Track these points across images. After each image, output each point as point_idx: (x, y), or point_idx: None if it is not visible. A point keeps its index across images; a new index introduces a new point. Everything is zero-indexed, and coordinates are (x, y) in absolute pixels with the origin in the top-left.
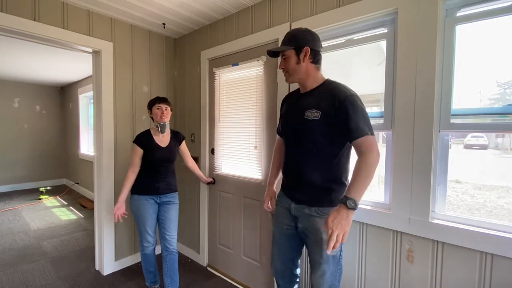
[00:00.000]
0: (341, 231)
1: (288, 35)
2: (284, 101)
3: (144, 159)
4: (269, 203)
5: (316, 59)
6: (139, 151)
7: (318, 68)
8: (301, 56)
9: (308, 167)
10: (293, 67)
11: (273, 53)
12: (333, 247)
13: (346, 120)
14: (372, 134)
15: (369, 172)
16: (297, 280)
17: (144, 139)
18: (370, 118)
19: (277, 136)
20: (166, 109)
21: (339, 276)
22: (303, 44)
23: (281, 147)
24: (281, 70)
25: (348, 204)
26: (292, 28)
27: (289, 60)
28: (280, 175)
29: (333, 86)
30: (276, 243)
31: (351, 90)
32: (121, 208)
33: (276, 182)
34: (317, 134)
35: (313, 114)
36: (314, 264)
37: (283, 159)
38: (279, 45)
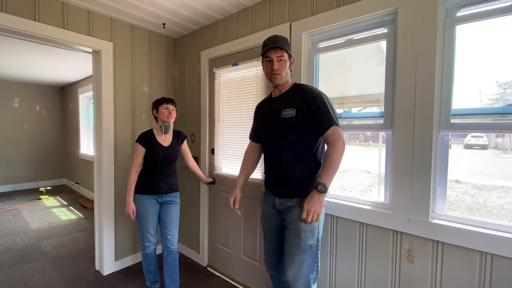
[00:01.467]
0: (314, 212)
1: (282, 39)
2: (259, 107)
3: (146, 158)
4: (234, 203)
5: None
6: (142, 151)
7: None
8: (290, 62)
9: (289, 162)
10: (286, 71)
11: (274, 48)
12: (306, 221)
13: (318, 114)
14: (338, 125)
15: (337, 160)
16: None
17: (147, 139)
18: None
19: (249, 142)
20: (173, 110)
21: (316, 272)
22: (291, 52)
23: (252, 152)
24: (272, 70)
25: (319, 188)
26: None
27: (285, 63)
28: (246, 173)
29: (303, 87)
30: (268, 239)
31: (318, 89)
32: (131, 207)
33: (242, 184)
34: (294, 129)
35: (289, 112)
36: (291, 256)
37: (265, 162)
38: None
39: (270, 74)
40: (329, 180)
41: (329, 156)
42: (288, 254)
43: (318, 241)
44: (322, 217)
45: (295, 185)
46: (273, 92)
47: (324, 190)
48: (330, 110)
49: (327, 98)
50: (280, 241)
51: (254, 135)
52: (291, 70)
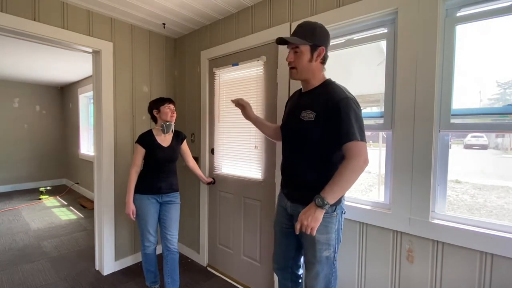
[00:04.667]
0: (307, 226)
1: (305, 27)
2: (289, 99)
3: (146, 159)
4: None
5: (325, 59)
6: (142, 151)
7: (324, 68)
8: (315, 55)
9: (302, 167)
10: (305, 65)
11: (283, 41)
12: (301, 230)
13: (338, 123)
14: (363, 140)
15: (349, 177)
16: (300, 281)
17: (146, 139)
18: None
19: None
20: (174, 109)
21: (334, 280)
22: (320, 43)
23: (277, 128)
24: (287, 63)
25: (316, 202)
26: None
27: (301, 56)
28: (261, 121)
29: (330, 87)
30: (278, 240)
31: (348, 93)
32: (131, 207)
33: (258, 118)
34: (311, 135)
35: (308, 115)
36: (308, 265)
37: (282, 160)
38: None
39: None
40: (331, 195)
41: (340, 170)
42: (306, 262)
43: (335, 252)
44: (341, 225)
45: (308, 192)
46: (302, 87)
47: (321, 204)
48: (353, 121)
49: (355, 105)
50: (289, 245)
51: (281, 126)
52: (323, 63)
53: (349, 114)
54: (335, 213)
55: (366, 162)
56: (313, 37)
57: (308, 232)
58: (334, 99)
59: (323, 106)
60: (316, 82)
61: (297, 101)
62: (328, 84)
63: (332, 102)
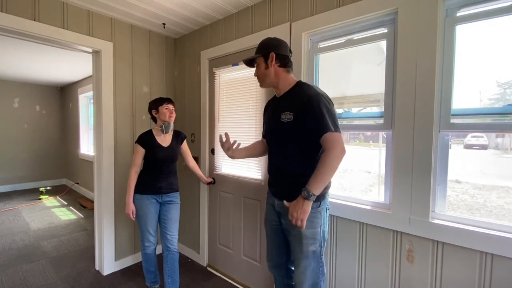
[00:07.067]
0: (297, 218)
1: (259, 45)
2: (266, 107)
3: (146, 159)
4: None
5: (284, 62)
6: (142, 151)
7: (289, 71)
8: (269, 61)
9: (288, 165)
10: (262, 72)
11: (249, 62)
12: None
13: (313, 118)
14: (337, 131)
15: (329, 167)
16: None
17: (146, 139)
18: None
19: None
20: (173, 109)
21: (321, 274)
22: (269, 50)
23: (260, 143)
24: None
25: (303, 194)
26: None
27: (258, 67)
28: (244, 151)
29: (303, 88)
30: (269, 238)
31: (320, 90)
32: (131, 207)
33: (240, 149)
34: (292, 135)
35: (287, 117)
36: (296, 261)
37: (268, 162)
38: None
39: None
40: (316, 186)
41: (321, 162)
42: (294, 258)
43: (321, 246)
44: (325, 221)
45: (294, 189)
46: (276, 93)
47: (307, 197)
48: (326, 114)
49: (326, 100)
50: (281, 241)
51: (264, 134)
52: (283, 67)
53: (321, 108)
54: (319, 208)
55: (342, 151)
56: (263, 48)
57: (299, 224)
58: (306, 97)
59: (298, 106)
60: (287, 86)
61: (275, 106)
62: (300, 85)
63: (306, 99)
